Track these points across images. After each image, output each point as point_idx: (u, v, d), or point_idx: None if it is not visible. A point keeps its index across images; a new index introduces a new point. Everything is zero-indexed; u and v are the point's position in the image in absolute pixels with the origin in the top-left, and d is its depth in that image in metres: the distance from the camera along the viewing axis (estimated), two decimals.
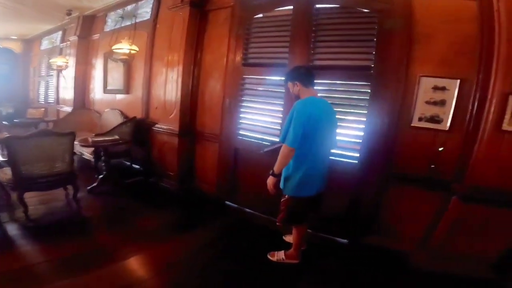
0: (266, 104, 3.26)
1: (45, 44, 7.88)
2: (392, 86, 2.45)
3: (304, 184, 2.17)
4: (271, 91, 3.19)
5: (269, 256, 2.50)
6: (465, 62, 2.21)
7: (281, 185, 2.26)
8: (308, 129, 2.01)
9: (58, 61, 5.67)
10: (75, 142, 3.76)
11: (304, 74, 2.19)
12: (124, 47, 3.69)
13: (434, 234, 2.39)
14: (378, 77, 2.48)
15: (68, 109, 6.02)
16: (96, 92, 5.70)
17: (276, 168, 2.14)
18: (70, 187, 3.39)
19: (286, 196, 2.28)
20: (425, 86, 2.34)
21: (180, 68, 3.67)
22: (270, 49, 3.14)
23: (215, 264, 2.43)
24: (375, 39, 2.50)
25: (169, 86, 3.84)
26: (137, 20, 4.58)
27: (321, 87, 2.80)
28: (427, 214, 2.45)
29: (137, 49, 3.77)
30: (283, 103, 3.01)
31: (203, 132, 3.81)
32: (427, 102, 2.35)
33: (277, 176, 2.18)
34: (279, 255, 2.49)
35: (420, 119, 2.40)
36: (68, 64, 5.83)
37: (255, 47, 3.25)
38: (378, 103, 2.50)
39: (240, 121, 3.40)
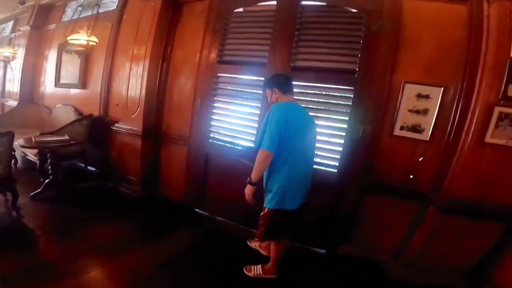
0: (241, 106, 3.03)
1: None
2: (376, 91, 2.36)
3: (285, 196, 1.99)
4: (248, 91, 2.98)
5: (245, 271, 2.32)
6: (451, 69, 2.17)
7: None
8: (285, 132, 1.87)
9: (5, 51, 5.01)
10: (15, 143, 3.26)
11: (283, 82, 2.12)
12: (81, 38, 3.26)
13: (410, 244, 2.38)
14: (362, 81, 2.38)
15: (14, 103, 5.31)
16: (47, 85, 5.07)
17: (253, 176, 1.97)
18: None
19: (266, 209, 2.07)
20: (409, 93, 2.28)
21: (147, 62, 3.32)
22: (249, 46, 2.93)
23: (188, 279, 2.23)
24: (361, 41, 2.40)
25: (132, 82, 3.46)
26: (101, 10, 4.14)
27: (301, 89, 2.65)
28: (404, 224, 2.44)
29: (96, 40, 3.36)
30: (260, 105, 2.81)
31: (170, 133, 3.47)
32: (410, 111, 2.29)
33: (255, 184, 1.99)
34: (256, 270, 2.30)
35: (402, 128, 2.33)
36: (16, 55, 5.17)
37: (232, 43, 3.02)
38: (361, 109, 2.39)
39: (212, 123, 3.13)
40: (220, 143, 3.08)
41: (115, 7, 4.07)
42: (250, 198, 2.03)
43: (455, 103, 2.16)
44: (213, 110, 3.11)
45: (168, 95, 3.48)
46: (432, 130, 2.25)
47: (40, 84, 5.27)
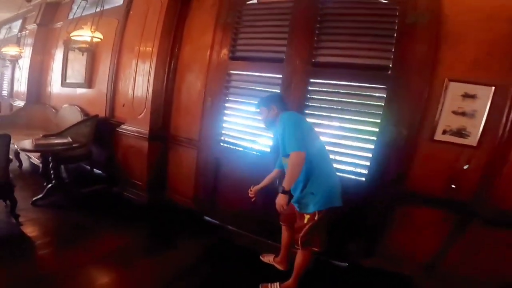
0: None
1: (3, 33, 6.98)
2: (413, 91, 2.05)
3: (332, 193, 1.90)
4: (262, 90, 2.70)
5: None
6: (503, 66, 1.85)
7: (297, 207, 1.97)
8: (307, 132, 1.88)
9: (11, 50, 4.85)
10: (15, 146, 3.09)
11: (280, 99, 2.09)
12: (85, 34, 3.04)
13: (446, 257, 2.16)
14: (396, 79, 2.07)
15: (22, 103, 5.20)
16: (54, 85, 4.92)
17: (287, 183, 1.80)
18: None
19: (311, 214, 1.89)
20: (453, 92, 1.96)
21: (154, 59, 3.08)
22: (264, 40, 2.65)
23: None
24: (394, 35, 2.09)
25: (139, 80, 3.23)
26: (107, 6, 3.96)
27: (324, 88, 2.37)
28: (439, 235, 2.18)
29: (101, 36, 3.14)
30: None
31: (178, 136, 3.22)
32: (455, 112, 1.97)
33: (288, 192, 1.83)
34: None
35: (444, 132, 2.01)
36: (23, 54, 5.02)
37: (245, 38, 2.75)
38: (395, 111, 2.08)
39: (224, 125, 2.87)
40: (232, 147, 2.82)
41: (121, 3, 3.87)
42: (284, 208, 1.86)
43: (509, 104, 1.85)
44: (225, 111, 2.84)
45: (176, 95, 3.24)
46: (480, 135, 1.94)
47: (47, 83, 5.14)
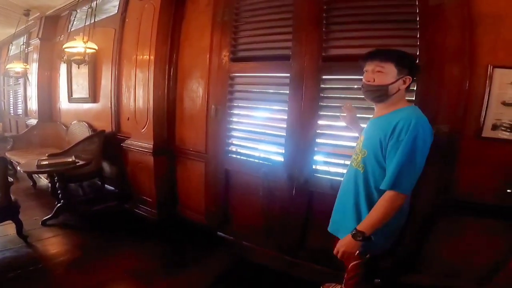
0: (263, 111, 2.49)
1: (13, 49, 7.05)
2: (450, 81, 1.69)
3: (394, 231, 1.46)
4: (270, 92, 2.43)
5: None
6: None
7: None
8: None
9: (16, 66, 4.83)
10: (18, 168, 3.02)
11: (417, 69, 1.40)
12: (78, 45, 2.88)
13: (506, 268, 1.79)
14: (427, 69, 1.72)
15: (34, 121, 5.21)
16: (62, 101, 4.87)
17: (370, 227, 1.30)
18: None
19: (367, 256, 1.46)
20: (501, 80, 1.59)
21: (152, 68, 2.87)
22: (266, 37, 2.34)
23: None
24: (417, 19, 1.75)
25: (139, 91, 3.04)
26: (103, 16, 3.84)
27: (339, 84, 2.07)
28: (493, 246, 1.84)
29: (95, 47, 2.98)
30: (287, 108, 2.25)
31: (185, 148, 3.01)
32: (505, 104, 1.60)
33: (368, 239, 1.31)
34: None
35: (494, 127, 1.64)
36: (28, 70, 5.00)
37: (246, 36, 2.46)
38: (430, 106, 1.73)
39: (231, 133, 2.62)
40: (241, 157, 2.57)
41: (116, 11, 3.69)
42: (351, 257, 1.40)
43: None
44: (231, 118, 2.59)
45: (178, 104, 3.02)
46: None
47: (56, 100, 5.11)
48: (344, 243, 1.36)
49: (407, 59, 1.35)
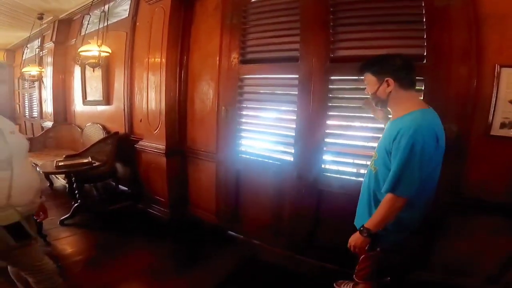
0: (272, 111, 2.54)
1: (28, 52, 7.24)
2: (458, 80, 1.72)
3: (408, 225, 1.48)
4: (279, 93, 2.48)
5: None
6: None
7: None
8: (429, 169, 1.33)
9: (31, 70, 4.99)
10: (37, 169, 3.15)
11: (402, 67, 1.37)
12: (92, 49, 2.98)
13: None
14: (434, 69, 1.74)
15: (50, 124, 5.37)
16: (77, 104, 5.01)
17: (375, 225, 1.39)
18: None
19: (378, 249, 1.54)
20: (508, 80, 1.61)
21: (163, 70, 2.95)
22: (274, 39, 2.39)
23: None
24: (424, 20, 1.77)
25: (151, 94, 3.13)
26: (114, 19, 3.92)
27: (348, 85, 2.08)
28: (500, 245, 1.85)
29: (109, 50, 3.07)
30: (296, 109, 2.30)
31: (196, 149, 3.08)
32: None
33: (374, 235, 1.41)
34: None
35: (503, 126, 1.66)
36: (43, 73, 5.15)
37: (254, 38, 2.51)
38: (439, 105, 1.75)
39: (241, 134, 2.68)
40: (252, 157, 2.63)
41: (127, 15, 3.78)
42: (360, 251, 1.50)
43: None
44: (241, 120, 2.65)
45: (189, 106, 3.10)
46: None
47: (71, 102, 5.23)
48: (354, 238, 1.47)
49: (381, 63, 1.41)
